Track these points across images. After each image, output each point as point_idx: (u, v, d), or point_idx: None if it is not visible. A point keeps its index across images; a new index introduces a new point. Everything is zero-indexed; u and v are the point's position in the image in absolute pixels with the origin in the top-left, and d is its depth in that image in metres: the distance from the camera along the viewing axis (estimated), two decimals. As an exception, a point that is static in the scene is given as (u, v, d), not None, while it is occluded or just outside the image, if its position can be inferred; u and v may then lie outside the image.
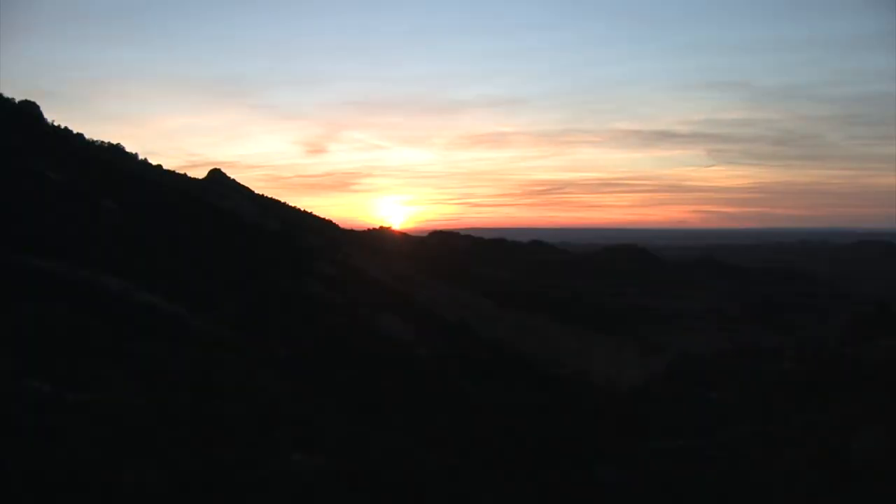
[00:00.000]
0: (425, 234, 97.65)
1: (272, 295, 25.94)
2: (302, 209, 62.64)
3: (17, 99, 36.97)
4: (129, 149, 43.43)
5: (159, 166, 45.93)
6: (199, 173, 55.47)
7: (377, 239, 74.45)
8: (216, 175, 59.32)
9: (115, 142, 44.02)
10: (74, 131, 38.96)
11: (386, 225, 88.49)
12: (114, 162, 38.05)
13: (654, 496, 15.48)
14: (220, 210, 39.18)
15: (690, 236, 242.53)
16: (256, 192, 58.12)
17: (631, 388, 37.31)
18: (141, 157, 45.80)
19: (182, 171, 51.60)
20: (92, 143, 40.29)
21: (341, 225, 69.26)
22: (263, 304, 24.24)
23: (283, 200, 61.02)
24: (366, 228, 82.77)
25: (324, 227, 61.53)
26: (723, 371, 41.34)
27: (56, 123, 37.68)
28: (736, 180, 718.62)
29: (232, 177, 60.74)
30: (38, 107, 37.74)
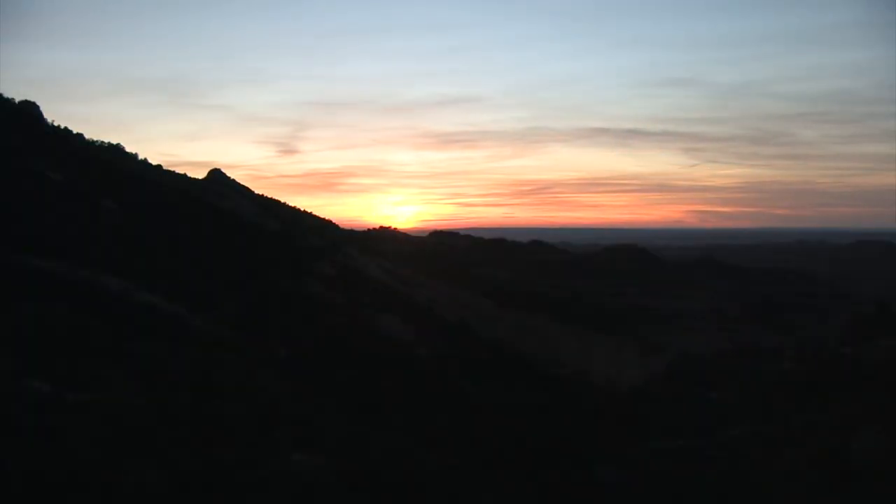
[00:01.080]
0: (425, 235, 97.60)
1: (272, 295, 25.94)
2: (302, 209, 62.70)
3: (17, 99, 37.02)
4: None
5: (159, 166, 45.93)
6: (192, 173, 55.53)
7: (377, 239, 74.43)
8: (216, 175, 59.30)
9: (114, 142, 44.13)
10: (74, 131, 39.00)
11: (385, 225, 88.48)
12: (114, 162, 38.04)
13: (654, 496, 15.48)
14: (220, 210, 39.18)
15: (690, 236, 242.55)
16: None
17: (631, 388, 37.31)
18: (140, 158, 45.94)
19: (181, 171, 51.68)
20: (92, 143, 40.28)
21: (339, 225, 69.34)
22: (263, 304, 24.23)
23: (283, 200, 61.12)
24: (365, 228, 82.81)
25: (324, 228, 61.52)
26: (723, 371, 41.34)
27: (56, 123, 37.71)
28: (723, 180, 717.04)
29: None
30: (37, 107, 37.73)
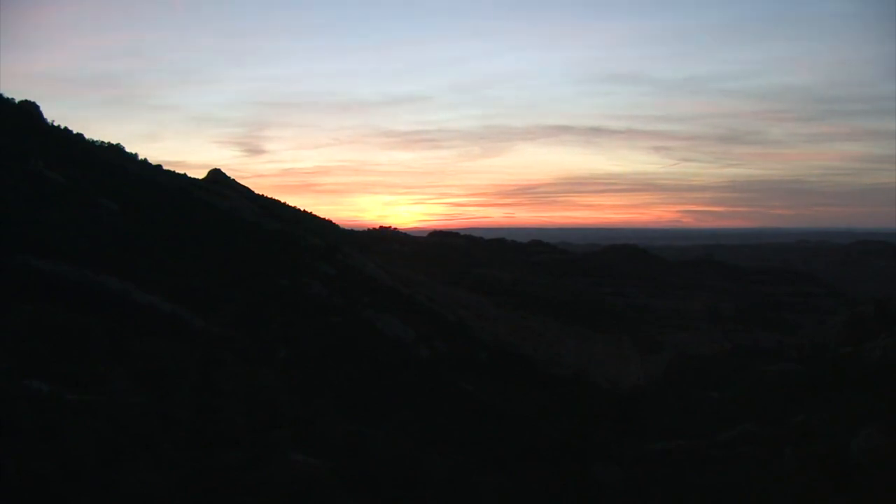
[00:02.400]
0: (425, 234, 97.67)
1: (272, 295, 25.94)
2: (301, 209, 62.72)
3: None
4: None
5: (159, 166, 45.89)
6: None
7: (377, 239, 74.48)
8: (216, 175, 59.28)
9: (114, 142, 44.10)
10: (74, 131, 38.99)
11: (385, 225, 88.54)
12: (114, 162, 38.03)
13: (653, 496, 15.48)
14: (220, 210, 39.18)
15: (689, 236, 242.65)
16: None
17: (631, 387, 37.32)
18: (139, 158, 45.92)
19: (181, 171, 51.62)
20: (92, 143, 40.27)
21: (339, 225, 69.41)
22: (263, 304, 24.23)
23: (283, 200, 61.17)
24: (365, 228, 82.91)
25: (323, 227, 61.55)
26: (722, 371, 41.35)
27: (56, 123, 37.70)
28: (709, 179, 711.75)
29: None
30: (38, 107, 37.73)
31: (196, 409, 11.70)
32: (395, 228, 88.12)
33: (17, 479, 7.09)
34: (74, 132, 39.19)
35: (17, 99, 37.03)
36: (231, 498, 8.71)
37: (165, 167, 46.53)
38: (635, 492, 15.63)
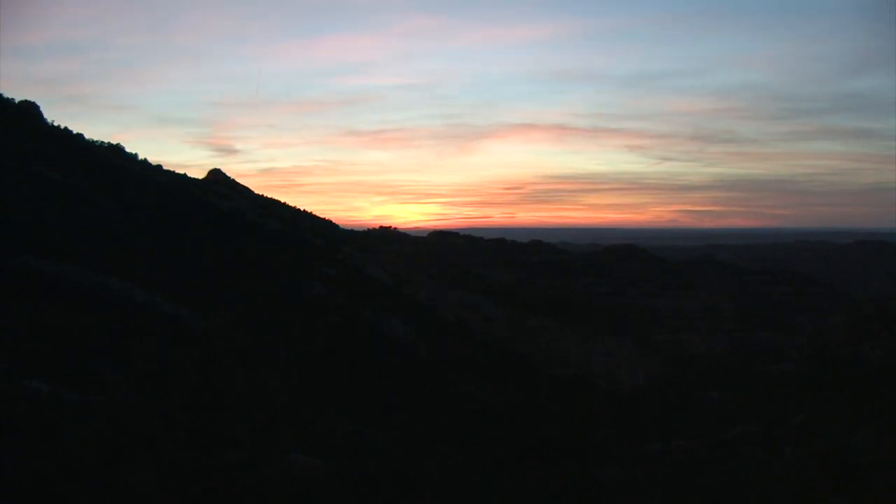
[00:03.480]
0: (425, 234, 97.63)
1: (272, 295, 25.94)
2: (302, 209, 62.63)
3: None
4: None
5: (159, 166, 45.84)
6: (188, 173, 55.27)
7: (377, 239, 74.44)
8: (216, 175, 59.24)
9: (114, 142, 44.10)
10: (74, 131, 38.97)
11: (385, 225, 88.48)
12: (114, 162, 38.01)
13: (653, 496, 15.48)
14: (221, 210, 39.18)
15: (688, 236, 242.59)
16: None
17: (631, 387, 37.36)
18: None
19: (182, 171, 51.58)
20: (92, 143, 40.23)
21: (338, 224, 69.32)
22: (263, 303, 24.23)
23: (283, 200, 61.08)
24: (365, 228, 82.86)
25: (324, 227, 61.49)
26: (723, 371, 41.39)
27: (56, 123, 37.69)
28: (696, 178, 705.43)
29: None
30: (38, 107, 37.71)
31: (196, 409, 11.70)
32: (395, 228, 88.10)
33: (16, 479, 7.08)
34: (74, 132, 39.18)
35: (17, 99, 37.04)
36: (231, 498, 8.71)
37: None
38: (635, 492, 15.63)
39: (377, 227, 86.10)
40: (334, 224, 66.60)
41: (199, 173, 54.53)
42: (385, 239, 76.43)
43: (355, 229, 77.47)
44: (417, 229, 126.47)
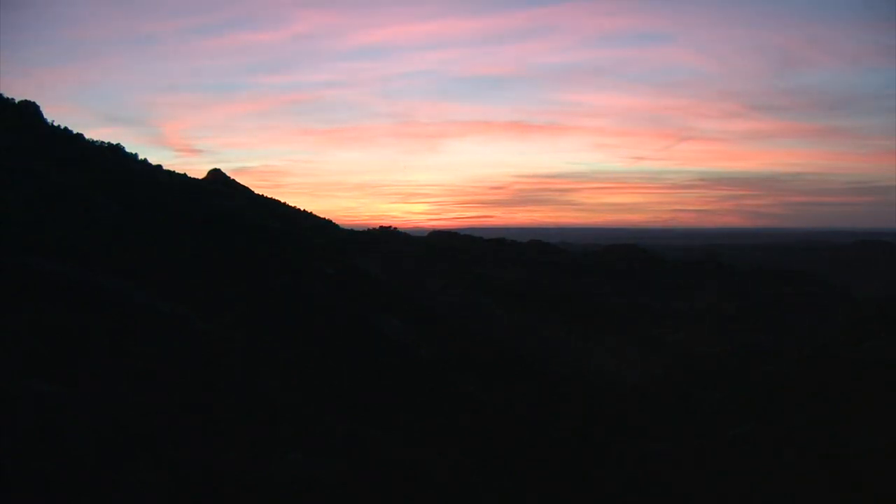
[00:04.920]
0: (425, 234, 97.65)
1: (273, 294, 25.95)
2: (302, 209, 62.67)
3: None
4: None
5: (159, 166, 45.86)
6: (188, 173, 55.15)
7: (377, 238, 74.44)
8: (216, 175, 59.29)
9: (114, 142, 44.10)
10: (74, 131, 38.97)
11: (385, 225, 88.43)
12: (114, 162, 38.01)
13: (653, 496, 15.49)
14: (221, 209, 39.18)
15: (687, 236, 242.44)
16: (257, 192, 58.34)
17: (631, 387, 37.33)
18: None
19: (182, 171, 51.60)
20: (92, 143, 40.24)
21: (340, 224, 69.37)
22: (264, 303, 24.24)
23: (283, 200, 61.12)
24: (365, 228, 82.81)
25: (324, 227, 61.53)
26: (723, 371, 41.33)
27: (56, 123, 37.69)
28: (680, 176, 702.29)
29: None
30: (38, 107, 37.72)
31: (196, 409, 11.71)
32: (395, 228, 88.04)
33: (16, 479, 7.09)
34: (74, 132, 39.19)
35: (17, 99, 37.05)
36: (231, 498, 8.72)
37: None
38: (635, 492, 15.64)
39: (377, 226, 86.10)
40: (334, 224, 66.67)
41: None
42: (385, 238, 76.40)
43: (355, 228, 77.53)
44: (417, 228, 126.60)
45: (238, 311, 21.77)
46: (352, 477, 10.73)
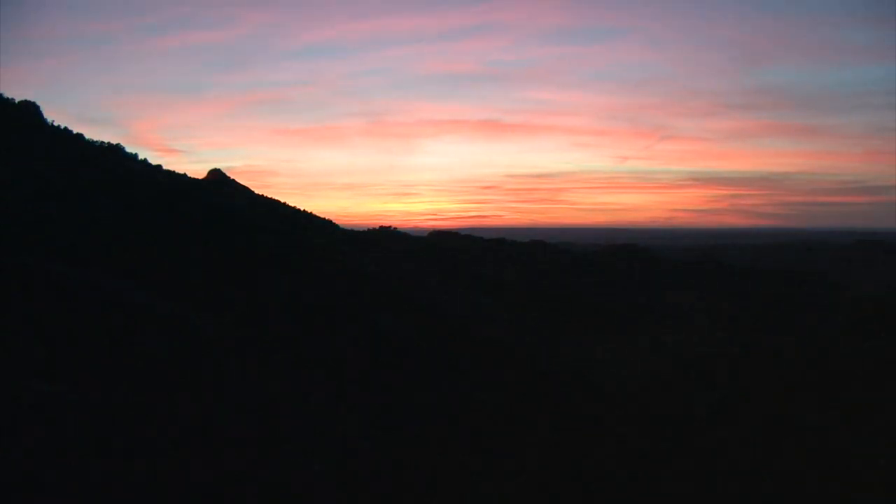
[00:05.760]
0: (425, 234, 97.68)
1: (273, 295, 25.93)
2: (302, 209, 62.61)
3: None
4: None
5: (159, 166, 45.83)
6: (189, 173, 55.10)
7: (377, 238, 74.38)
8: (216, 175, 59.26)
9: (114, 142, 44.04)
10: (74, 131, 38.95)
11: (385, 224, 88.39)
12: (114, 162, 37.99)
13: (654, 496, 15.49)
14: (221, 210, 39.14)
15: (686, 235, 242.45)
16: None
17: (631, 387, 37.27)
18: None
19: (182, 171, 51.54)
20: (92, 143, 40.21)
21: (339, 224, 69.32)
22: (264, 303, 24.22)
23: (282, 200, 61.06)
24: (363, 228, 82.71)
25: (323, 227, 61.47)
26: (723, 371, 41.26)
27: (56, 123, 37.67)
28: (670, 175, 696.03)
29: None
30: (38, 106, 37.70)
31: (197, 410, 11.70)
32: (395, 227, 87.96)
33: (16, 479, 7.08)
34: (74, 132, 39.18)
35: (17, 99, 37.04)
36: (232, 499, 8.71)
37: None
38: (638, 491, 15.64)
39: (375, 226, 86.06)
40: (334, 223, 66.64)
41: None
42: (385, 238, 76.36)
43: (355, 228, 77.49)
44: (417, 228, 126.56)
45: (238, 311, 21.77)
46: (352, 477, 10.72)
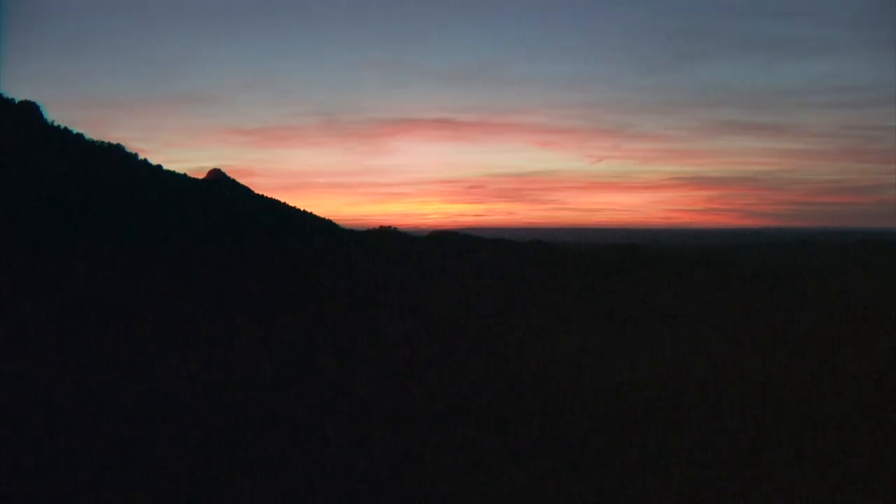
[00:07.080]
0: (425, 234, 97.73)
1: (274, 294, 25.99)
2: (302, 209, 62.64)
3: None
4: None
5: (159, 166, 45.86)
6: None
7: (377, 238, 74.42)
8: (217, 174, 59.31)
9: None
10: (74, 131, 38.97)
11: (386, 225, 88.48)
12: (114, 161, 38.02)
13: (655, 495, 15.54)
14: (222, 209, 39.21)
15: (686, 235, 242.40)
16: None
17: (631, 387, 37.31)
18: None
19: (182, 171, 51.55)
20: (92, 142, 40.23)
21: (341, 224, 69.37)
22: (265, 303, 24.28)
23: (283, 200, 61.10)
24: (365, 228, 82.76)
25: (324, 227, 61.53)
26: (723, 371, 41.26)
27: (56, 123, 37.70)
28: (652, 175, 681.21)
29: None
30: (39, 106, 37.75)
31: (199, 410, 11.79)
32: (396, 227, 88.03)
33: (16, 479, 7.14)
34: (75, 132, 39.22)
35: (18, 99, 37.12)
36: (233, 498, 8.78)
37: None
38: (635, 491, 15.68)
39: (377, 226, 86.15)
40: (335, 224, 66.72)
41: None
42: (385, 238, 76.41)
43: (355, 228, 77.56)
44: (416, 228, 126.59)
45: (238, 311, 21.82)
46: (352, 477, 10.77)
